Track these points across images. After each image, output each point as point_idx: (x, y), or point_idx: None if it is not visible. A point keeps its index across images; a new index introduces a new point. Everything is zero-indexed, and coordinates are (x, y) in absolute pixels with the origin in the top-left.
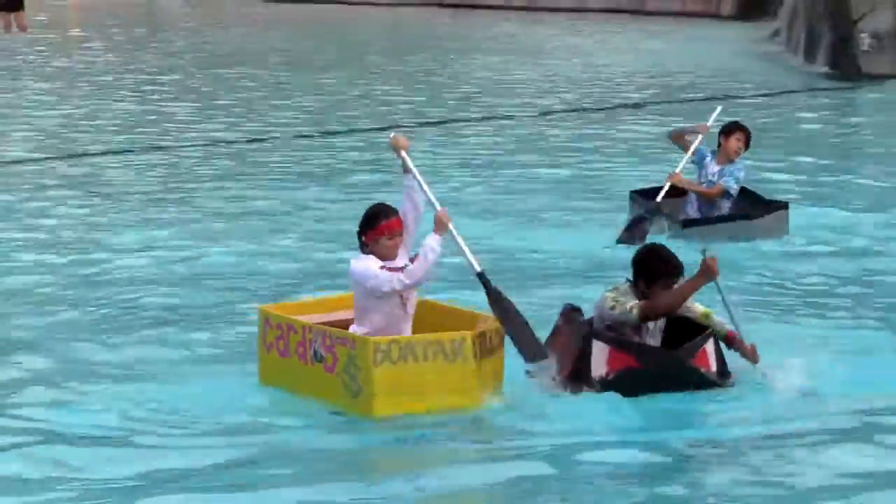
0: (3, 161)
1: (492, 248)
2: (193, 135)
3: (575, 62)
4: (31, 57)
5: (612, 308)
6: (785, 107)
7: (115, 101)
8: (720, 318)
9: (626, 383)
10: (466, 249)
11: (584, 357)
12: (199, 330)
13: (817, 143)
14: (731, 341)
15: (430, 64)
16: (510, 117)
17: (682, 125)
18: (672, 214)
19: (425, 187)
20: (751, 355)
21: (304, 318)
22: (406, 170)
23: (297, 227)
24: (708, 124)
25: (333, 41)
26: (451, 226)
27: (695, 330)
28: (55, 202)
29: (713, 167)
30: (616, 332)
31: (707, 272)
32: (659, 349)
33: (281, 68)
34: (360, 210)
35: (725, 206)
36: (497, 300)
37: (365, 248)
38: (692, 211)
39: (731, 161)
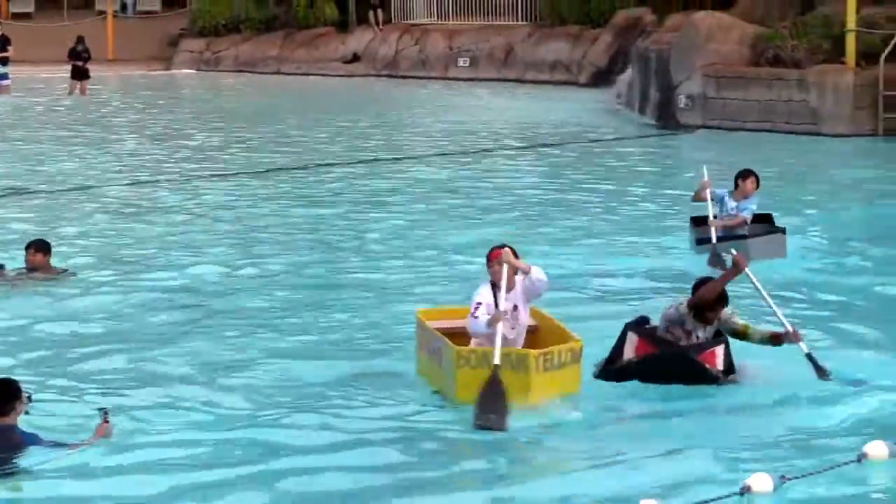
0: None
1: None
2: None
3: (475, 116)
4: (96, 114)
5: (669, 308)
6: (624, 146)
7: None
8: (759, 328)
9: (645, 368)
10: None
11: (620, 344)
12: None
13: (645, 171)
14: (777, 339)
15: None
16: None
17: (696, 189)
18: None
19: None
20: (794, 337)
21: (442, 322)
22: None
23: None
24: (705, 178)
25: (305, 101)
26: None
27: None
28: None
29: (731, 203)
30: (671, 335)
31: (736, 265)
32: (674, 343)
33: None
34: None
35: (745, 229)
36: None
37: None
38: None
39: (746, 197)
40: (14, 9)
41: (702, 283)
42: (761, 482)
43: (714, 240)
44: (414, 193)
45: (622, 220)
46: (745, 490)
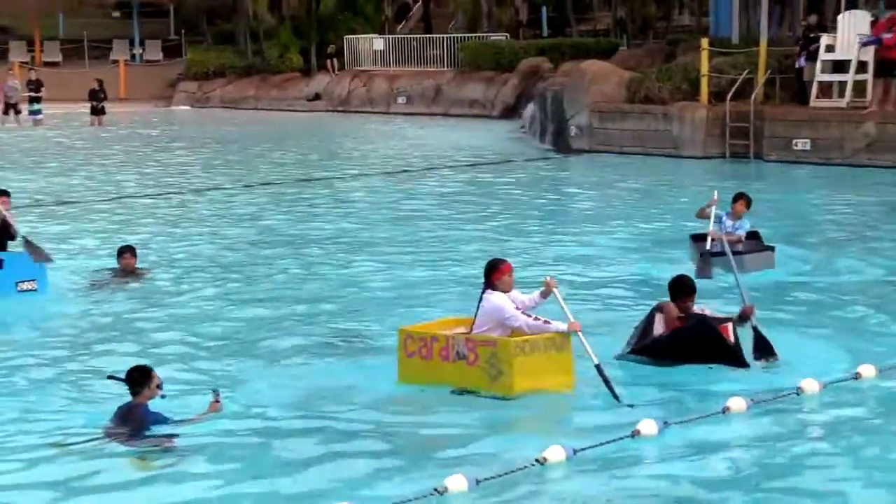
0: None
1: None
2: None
3: (410, 142)
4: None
5: None
6: (526, 167)
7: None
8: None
9: (672, 342)
10: (585, 345)
11: (649, 325)
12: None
13: (545, 185)
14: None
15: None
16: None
17: (701, 206)
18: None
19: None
20: (748, 311)
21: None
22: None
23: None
24: (715, 197)
25: (279, 130)
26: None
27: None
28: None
29: (728, 222)
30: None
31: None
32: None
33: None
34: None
35: (740, 246)
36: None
37: (493, 285)
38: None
39: (739, 218)
40: (46, 58)
41: (675, 283)
42: (648, 427)
43: (728, 251)
44: (364, 205)
45: (529, 225)
46: (636, 433)
